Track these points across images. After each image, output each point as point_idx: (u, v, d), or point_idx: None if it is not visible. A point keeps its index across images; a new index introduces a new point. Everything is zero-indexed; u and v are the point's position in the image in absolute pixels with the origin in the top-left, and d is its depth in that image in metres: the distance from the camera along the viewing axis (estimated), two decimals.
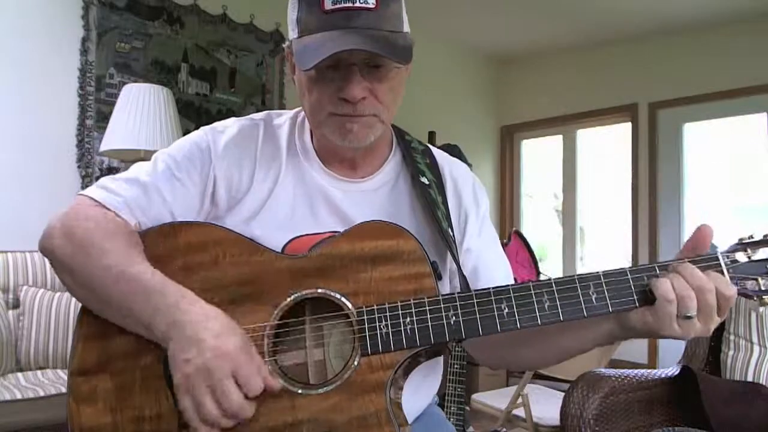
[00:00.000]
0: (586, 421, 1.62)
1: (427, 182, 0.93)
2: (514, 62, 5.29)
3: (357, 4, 0.80)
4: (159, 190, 0.87)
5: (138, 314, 0.77)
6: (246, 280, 0.81)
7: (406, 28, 0.87)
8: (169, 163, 0.90)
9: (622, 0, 3.99)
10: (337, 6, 0.80)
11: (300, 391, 0.77)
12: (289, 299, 0.80)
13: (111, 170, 2.96)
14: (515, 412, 2.20)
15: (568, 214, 5.03)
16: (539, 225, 5.29)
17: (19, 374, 2.21)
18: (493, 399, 2.40)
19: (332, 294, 0.80)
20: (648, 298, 0.73)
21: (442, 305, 0.77)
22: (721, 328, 1.96)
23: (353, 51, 0.79)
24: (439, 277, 0.81)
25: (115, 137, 2.55)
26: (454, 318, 0.76)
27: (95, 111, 2.91)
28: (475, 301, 0.76)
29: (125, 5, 3.03)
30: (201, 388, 0.71)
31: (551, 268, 4.86)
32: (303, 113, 0.96)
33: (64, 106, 2.84)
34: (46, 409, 1.90)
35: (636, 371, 1.81)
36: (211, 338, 0.72)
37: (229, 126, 0.95)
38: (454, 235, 0.93)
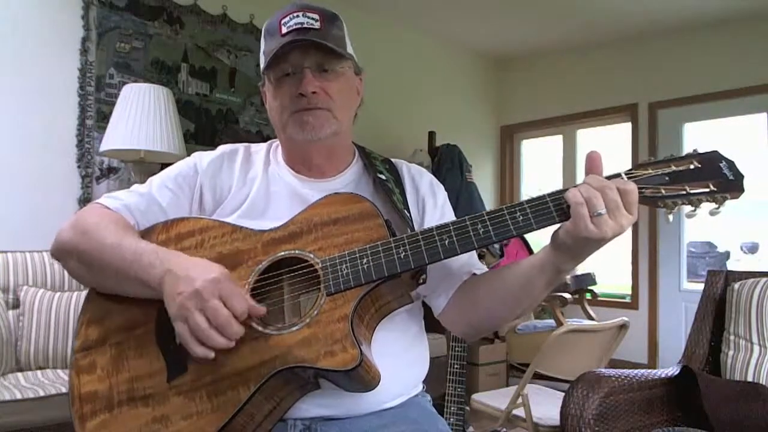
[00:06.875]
0: (586, 421, 1.62)
1: (385, 178, 1.07)
2: (514, 62, 5.29)
3: (305, 26, 0.98)
4: (155, 198, 1.03)
5: (135, 274, 0.88)
6: (227, 254, 0.94)
7: (350, 50, 1.05)
8: (163, 179, 1.06)
9: (622, 0, 4.00)
10: (291, 28, 0.98)
11: (274, 332, 0.86)
12: (264, 261, 0.92)
13: (111, 170, 2.96)
14: (515, 412, 2.20)
15: None
16: None
17: (19, 374, 2.21)
18: (493, 399, 2.39)
19: (301, 252, 0.91)
20: (566, 214, 0.82)
21: (392, 244, 0.88)
22: (721, 328, 1.96)
23: (300, 45, 0.96)
24: (393, 233, 0.91)
25: (115, 137, 2.55)
26: (403, 253, 0.87)
27: (95, 111, 2.92)
28: (420, 237, 0.88)
29: (125, 5, 3.03)
30: (192, 311, 0.81)
31: None
32: (276, 143, 1.13)
33: (64, 106, 2.84)
34: (46, 409, 1.90)
35: (636, 371, 1.81)
36: (198, 272, 0.84)
37: (214, 151, 1.11)
38: (411, 217, 1.05)
